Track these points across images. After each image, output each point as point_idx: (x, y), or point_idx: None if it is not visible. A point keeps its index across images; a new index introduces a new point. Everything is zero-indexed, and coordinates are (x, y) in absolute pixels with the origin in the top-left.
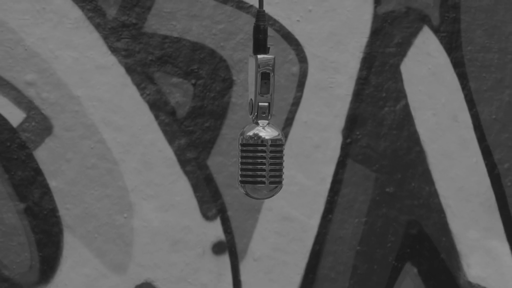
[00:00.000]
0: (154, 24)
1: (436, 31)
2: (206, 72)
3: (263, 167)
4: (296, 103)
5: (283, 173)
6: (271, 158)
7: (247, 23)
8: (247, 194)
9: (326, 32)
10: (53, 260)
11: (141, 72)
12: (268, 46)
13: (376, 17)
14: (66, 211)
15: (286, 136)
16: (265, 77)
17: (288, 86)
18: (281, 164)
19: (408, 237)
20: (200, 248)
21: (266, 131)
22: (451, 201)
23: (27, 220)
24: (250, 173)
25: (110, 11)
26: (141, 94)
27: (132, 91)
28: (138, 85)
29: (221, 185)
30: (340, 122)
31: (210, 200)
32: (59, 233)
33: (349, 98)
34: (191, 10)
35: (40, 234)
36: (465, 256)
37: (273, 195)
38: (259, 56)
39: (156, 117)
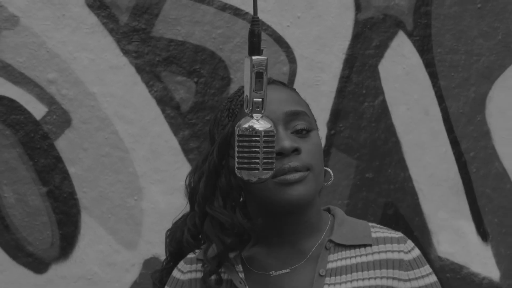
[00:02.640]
0: (161, 29)
1: (410, 35)
2: (207, 71)
3: (257, 155)
4: None
5: (275, 160)
6: (264, 147)
7: (243, 28)
8: (242, 178)
9: (313, 36)
10: (71, 238)
11: (149, 72)
12: (262, 48)
13: (357, 23)
14: (83, 194)
15: None
16: (259, 76)
17: None
18: (273, 152)
19: (385, 217)
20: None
21: (259, 123)
22: (423, 185)
23: (49, 202)
24: (245, 160)
25: (122, 18)
26: (150, 91)
27: (141, 88)
28: (147, 83)
29: None
30: (325, 115)
31: None
32: (77, 213)
33: (333, 95)
34: (193, 16)
35: (60, 214)
36: (435, 234)
37: (265, 179)
38: (254, 57)
39: (163, 111)
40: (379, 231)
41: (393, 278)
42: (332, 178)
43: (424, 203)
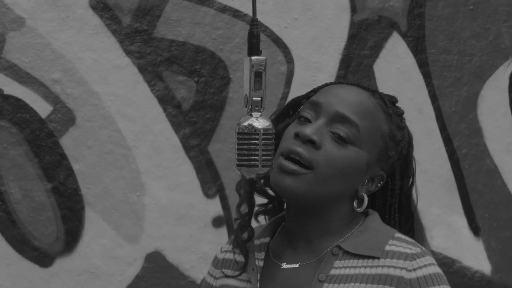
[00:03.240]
0: (163, 30)
1: (404, 36)
2: (207, 71)
3: (256, 153)
4: (284, 97)
5: (273, 157)
6: (263, 144)
7: (242, 29)
8: (242, 175)
9: (310, 37)
10: (76, 232)
11: (151, 71)
12: (261, 49)
13: (352, 24)
14: (87, 190)
15: None
16: (258, 76)
17: (277, 83)
18: (271, 150)
19: None
20: (202, 222)
21: (259, 122)
22: (417, 181)
23: (54, 198)
24: (245, 157)
25: (125, 19)
26: (151, 90)
27: (143, 87)
28: (149, 82)
29: (220, 168)
30: None
31: (210, 180)
32: (81, 209)
33: None
34: (194, 18)
35: (65, 210)
36: (429, 229)
37: (264, 175)
38: (253, 58)
39: (164, 109)
40: (396, 244)
41: None
42: (365, 205)
43: (418, 198)
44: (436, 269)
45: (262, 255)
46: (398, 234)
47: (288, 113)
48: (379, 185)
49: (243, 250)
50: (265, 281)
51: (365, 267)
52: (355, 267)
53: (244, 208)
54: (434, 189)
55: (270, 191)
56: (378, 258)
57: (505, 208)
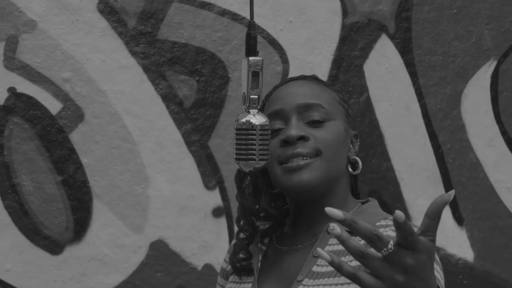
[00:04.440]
0: (166, 32)
1: (392, 38)
2: (207, 71)
3: (253, 147)
4: None
5: (269, 151)
6: (260, 140)
7: (240, 31)
8: (240, 168)
9: (304, 39)
10: (84, 222)
11: (155, 71)
12: (258, 50)
13: (344, 26)
14: (95, 183)
15: None
16: (255, 75)
17: (273, 83)
18: (268, 144)
19: None
20: (202, 212)
21: (256, 118)
22: (404, 175)
23: (63, 190)
24: (243, 152)
25: (130, 22)
26: (155, 89)
27: (148, 86)
28: (153, 81)
29: (219, 162)
30: None
31: (210, 173)
32: (90, 200)
33: None
34: (195, 21)
35: (74, 201)
36: (415, 219)
37: (260, 168)
38: (250, 58)
39: (167, 107)
40: (387, 222)
41: None
42: (360, 167)
43: (405, 190)
44: None
45: (266, 239)
46: (390, 216)
47: None
48: (358, 143)
49: (240, 271)
50: (265, 263)
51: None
52: None
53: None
54: (420, 181)
55: (270, 211)
56: None
57: (487, 199)
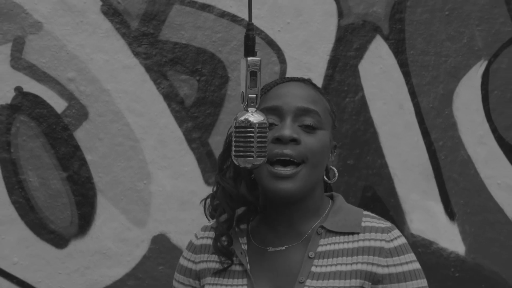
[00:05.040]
0: (167, 33)
1: (386, 39)
2: (208, 70)
3: (251, 144)
4: None
5: (267, 148)
6: (258, 137)
7: (239, 32)
8: (239, 165)
9: (301, 40)
10: (88, 217)
11: (157, 71)
12: (256, 50)
13: (339, 28)
14: (99, 179)
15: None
16: (253, 75)
17: None
18: (265, 142)
19: (365, 199)
20: (202, 207)
21: (254, 116)
22: (398, 171)
23: (68, 186)
24: (241, 149)
25: (133, 24)
26: (157, 88)
27: (150, 85)
28: (154, 81)
29: None
30: None
31: (210, 170)
32: (94, 195)
33: None
34: (196, 22)
35: (78, 196)
36: (408, 214)
37: (259, 165)
38: (249, 58)
39: (169, 105)
40: (369, 221)
41: (373, 264)
42: (336, 176)
43: (398, 186)
44: (404, 240)
45: (244, 240)
46: (365, 212)
47: None
48: (335, 153)
49: (224, 255)
50: (253, 264)
51: (348, 242)
52: (338, 243)
53: (223, 217)
54: (413, 177)
55: (249, 198)
56: (358, 233)
57: (477, 194)
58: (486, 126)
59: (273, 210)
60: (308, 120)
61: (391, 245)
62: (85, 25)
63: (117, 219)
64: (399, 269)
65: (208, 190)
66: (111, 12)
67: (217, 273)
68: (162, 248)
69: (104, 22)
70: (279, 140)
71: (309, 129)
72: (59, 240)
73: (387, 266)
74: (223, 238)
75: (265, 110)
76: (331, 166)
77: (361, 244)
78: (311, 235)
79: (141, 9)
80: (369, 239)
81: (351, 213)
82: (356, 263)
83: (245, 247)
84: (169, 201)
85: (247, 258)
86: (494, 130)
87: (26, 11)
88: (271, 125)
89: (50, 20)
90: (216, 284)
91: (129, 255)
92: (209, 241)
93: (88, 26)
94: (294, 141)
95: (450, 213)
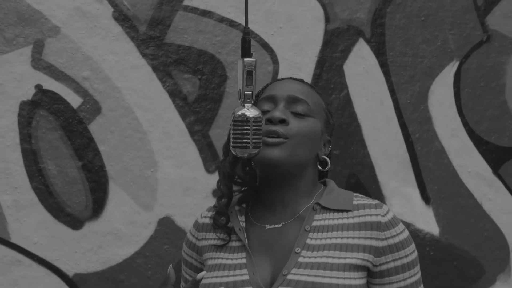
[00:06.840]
0: (172, 36)
1: (368, 41)
2: (208, 70)
3: (247, 136)
4: None
5: (262, 140)
6: (253, 130)
7: (237, 36)
8: (236, 154)
9: (292, 43)
10: (101, 201)
11: (162, 70)
12: (252, 52)
13: (326, 32)
14: (111, 167)
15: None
16: (249, 74)
17: (265, 80)
18: (260, 134)
19: (349, 185)
20: (204, 193)
21: (250, 111)
22: (379, 160)
23: (83, 173)
24: (238, 140)
25: (141, 28)
26: (163, 86)
27: (156, 83)
28: (161, 79)
29: (218, 149)
30: None
31: (211, 159)
32: (106, 182)
33: None
34: (197, 27)
35: (92, 183)
36: (388, 199)
37: (255, 155)
38: (245, 59)
39: (173, 101)
40: (360, 200)
41: (371, 238)
42: (329, 164)
43: (379, 173)
44: (393, 213)
45: (243, 218)
46: (355, 194)
47: None
48: (329, 148)
49: (222, 230)
50: (252, 240)
51: (342, 218)
52: (333, 219)
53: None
54: (392, 166)
55: (243, 177)
56: (351, 211)
57: (450, 182)
58: (458, 120)
59: (268, 189)
60: (299, 108)
61: (386, 218)
62: (98, 29)
63: (127, 204)
64: (396, 239)
65: (209, 177)
66: (122, 18)
67: (217, 248)
68: (167, 230)
69: (115, 26)
70: (270, 121)
71: (299, 115)
72: (75, 222)
73: (386, 238)
74: (222, 218)
75: (263, 100)
76: (324, 156)
77: (356, 220)
78: (306, 213)
79: (148, 15)
80: (364, 215)
81: (343, 193)
82: (353, 238)
83: (243, 224)
84: (173, 187)
85: (245, 234)
86: (465, 124)
87: (45, 16)
88: (267, 111)
89: (67, 25)
90: (217, 258)
91: (137, 235)
92: (211, 220)
93: (101, 30)
94: (283, 121)
95: (426, 198)
